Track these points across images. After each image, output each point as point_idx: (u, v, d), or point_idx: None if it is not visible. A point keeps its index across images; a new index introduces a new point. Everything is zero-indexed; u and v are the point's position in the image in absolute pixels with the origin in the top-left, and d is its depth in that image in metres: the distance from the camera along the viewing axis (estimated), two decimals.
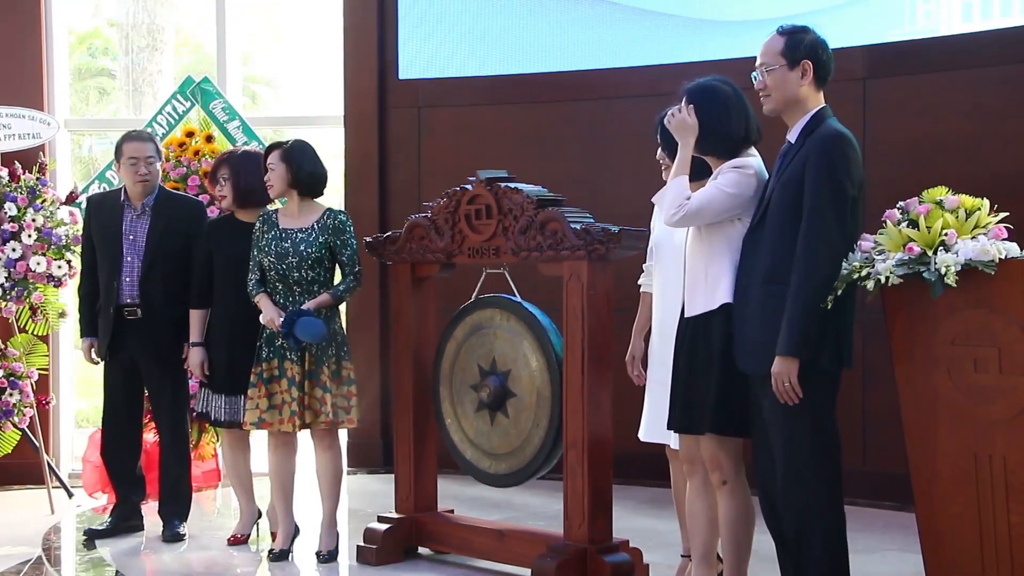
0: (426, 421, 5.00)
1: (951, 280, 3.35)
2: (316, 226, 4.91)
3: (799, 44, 3.69)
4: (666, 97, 4.23)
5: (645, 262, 4.41)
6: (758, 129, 3.91)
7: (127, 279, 5.30)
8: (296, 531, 5.09)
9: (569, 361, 4.39)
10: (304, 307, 4.80)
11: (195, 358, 5.16)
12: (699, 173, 3.98)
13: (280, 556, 4.95)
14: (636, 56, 6.86)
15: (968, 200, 3.52)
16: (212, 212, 6.14)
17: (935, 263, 3.39)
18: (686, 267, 3.94)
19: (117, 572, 4.86)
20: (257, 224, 4.96)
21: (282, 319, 4.76)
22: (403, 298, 5.02)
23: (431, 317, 5.05)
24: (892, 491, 5.78)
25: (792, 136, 3.72)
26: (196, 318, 5.19)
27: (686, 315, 3.91)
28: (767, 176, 3.83)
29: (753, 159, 3.87)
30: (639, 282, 4.46)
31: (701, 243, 3.88)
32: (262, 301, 4.88)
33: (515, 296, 4.70)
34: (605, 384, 4.39)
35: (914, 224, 3.50)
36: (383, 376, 6.97)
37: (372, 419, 7.02)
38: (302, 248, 4.87)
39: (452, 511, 5.08)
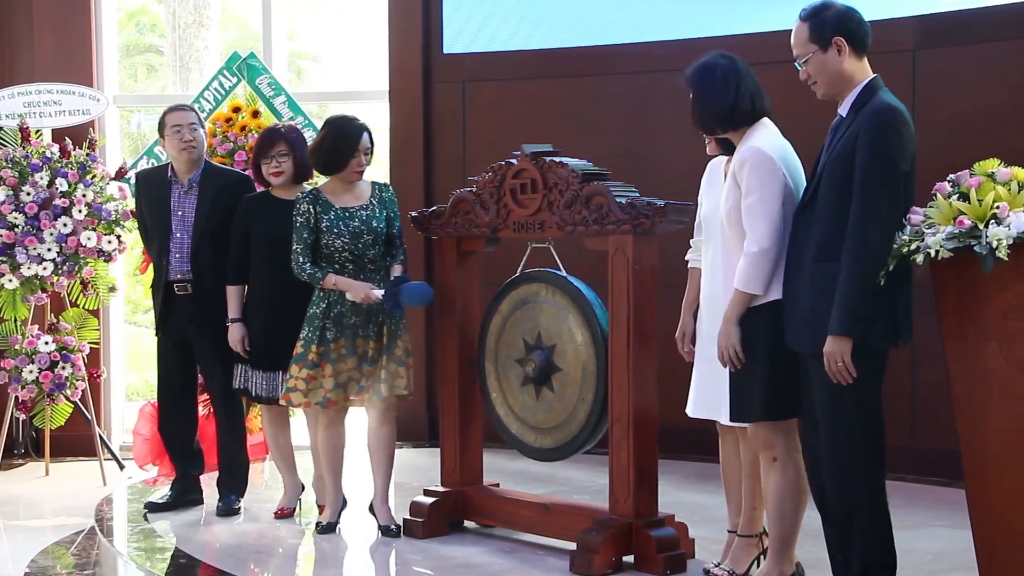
0: (471, 395, 5.01)
1: (1003, 253, 3.29)
2: (374, 201, 4.93)
3: (823, 24, 3.63)
4: None
5: (692, 237, 4.38)
6: (753, 98, 3.88)
7: (176, 255, 5.33)
8: (344, 504, 5.13)
9: (614, 335, 4.38)
10: (397, 275, 4.83)
11: (235, 334, 5.17)
12: (729, 148, 3.98)
13: (328, 529, 4.99)
14: (681, 28, 6.80)
15: (1021, 172, 3.47)
16: (258, 186, 6.17)
17: (986, 236, 3.33)
18: (723, 254, 3.91)
19: (176, 548, 4.91)
20: (304, 205, 4.87)
21: (383, 292, 4.76)
22: (448, 272, 5.02)
23: (476, 291, 5.06)
24: (941, 467, 5.73)
25: (843, 110, 3.66)
26: (233, 294, 5.20)
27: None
28: (782, 141, 3.80)
29: (758, 138, 3.83)
30: (687, 257, 4.43)
31: (731, 234, 3.85)
32: (341, 281, 4.81)
33: (560, 270, 4.70)
34: (650, 358, 4.38)
35: (965, 197, 3.45)
36: (428, 350, 6.99)
37: (418, 393, 7.01)
38: (374, 225, 4.88)
39: (497, 485, 5.10)
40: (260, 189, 5.39)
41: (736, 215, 3.82)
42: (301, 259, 4.85)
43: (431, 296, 4.88)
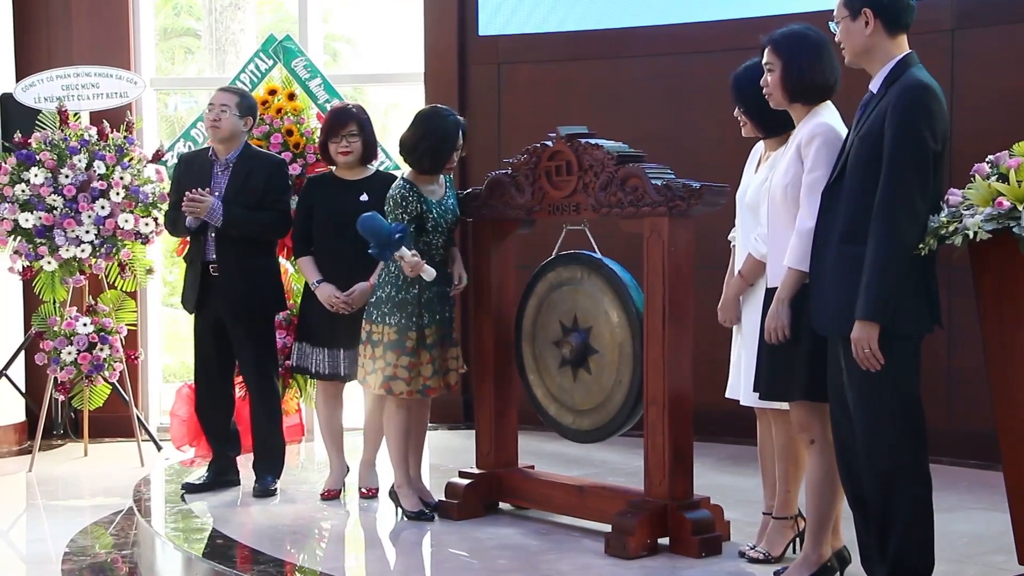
0: (507, 377, 5.02)
1: None
2: (447, 187, 4.93)
3: None
4: (747, 51, 4.18)
5: (736, 216, 4.33)
6: (838, 72, 3.83)
7: (212, 234, 5.36)
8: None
9: (650, 318, 4.37)
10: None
11: (324, 292, 5.09)
12: (783, 126, 3.94)
13: (423, 515, 4.91)
14: (717, 10, 6.76)
15: None
16: (294, 169, 6.20)
17: None
18: (769, 235, 3.88)
19: (213, 528, 4.93)
20: (414, 204, 4.72)
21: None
22: (484, 255, 5.03)
23: (512, 274, 5.06)
24: (978, 449, 5.70)
25: (874, 86, 3.55)
26: (306, 263, 5.17)
27: (770, 285, 3.84)
28: (844, 128, 3.75)
29: (828, 116, 3.79)
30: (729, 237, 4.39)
31: (787, 210, 3.79)
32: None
33: (596, 252, 4.69)
34: (686, 341, 4.37)
35: (1004, 178, 3.42)
36: (464, 332, 7.00)
37: None
38: (457, 213, 4.93)
39: (532, 467, 5.11)
40: (321, 170, 5.40)
41: (794, 190, 3.75)
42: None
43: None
